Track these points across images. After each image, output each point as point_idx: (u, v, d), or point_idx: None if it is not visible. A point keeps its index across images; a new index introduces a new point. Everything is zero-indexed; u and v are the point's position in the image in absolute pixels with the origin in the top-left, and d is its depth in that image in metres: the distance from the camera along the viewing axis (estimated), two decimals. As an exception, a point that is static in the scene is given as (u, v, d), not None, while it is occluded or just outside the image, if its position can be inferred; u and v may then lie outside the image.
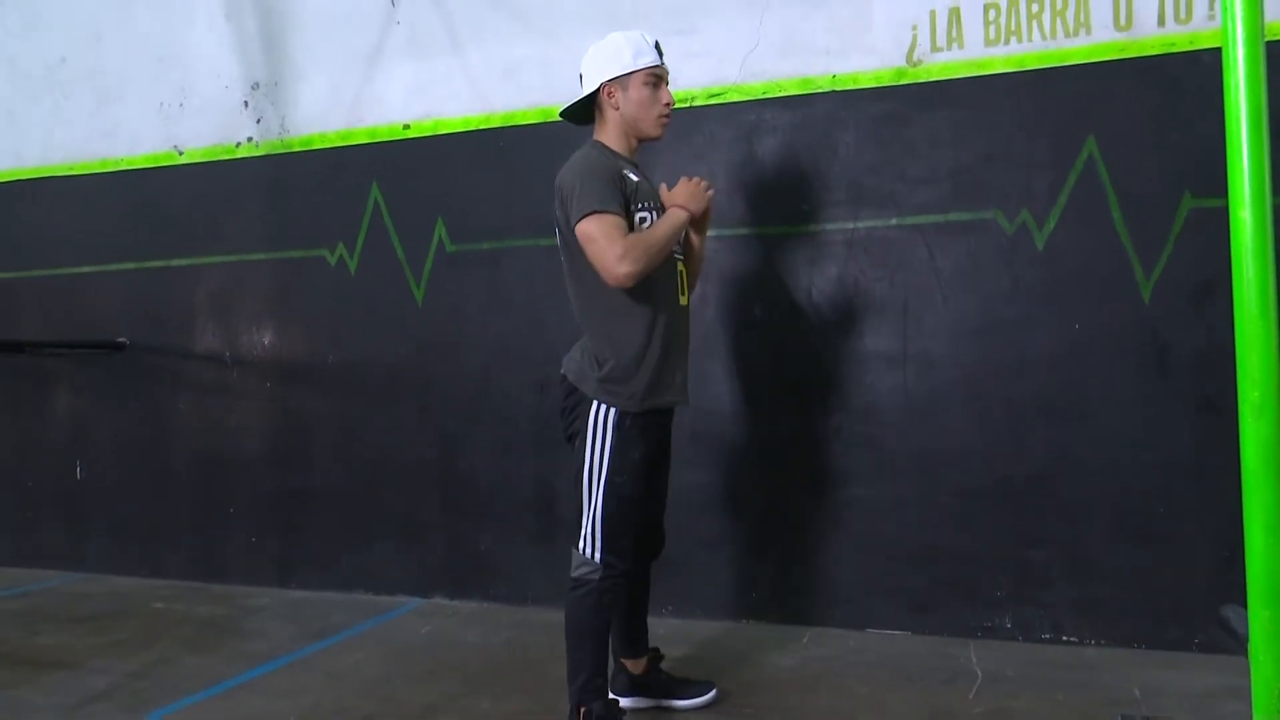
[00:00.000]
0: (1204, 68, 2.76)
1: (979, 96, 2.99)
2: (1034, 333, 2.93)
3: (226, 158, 3.97)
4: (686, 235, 2.31)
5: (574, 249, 2.16)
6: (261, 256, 3.92)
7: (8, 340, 4.16)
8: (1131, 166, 2.85)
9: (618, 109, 2.22)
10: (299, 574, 3.83)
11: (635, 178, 2.20)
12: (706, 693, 2.44)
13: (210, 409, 4.01)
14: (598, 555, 2.10)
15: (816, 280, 3.15)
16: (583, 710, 2.08)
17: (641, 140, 2.28)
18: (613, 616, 2.20)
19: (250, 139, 3.94)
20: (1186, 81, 2.80)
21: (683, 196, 2.22)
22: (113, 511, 4.18)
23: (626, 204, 2.12)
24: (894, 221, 3.06)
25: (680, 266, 2.27)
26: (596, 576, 2.09)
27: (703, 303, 3.26)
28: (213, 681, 2.71)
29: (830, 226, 3.13)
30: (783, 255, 3.19)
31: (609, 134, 2.25)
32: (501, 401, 3.53)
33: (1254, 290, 1.13)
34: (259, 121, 3.92)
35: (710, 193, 2.27)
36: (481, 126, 3.57)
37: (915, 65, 3.05)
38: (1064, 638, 2.89)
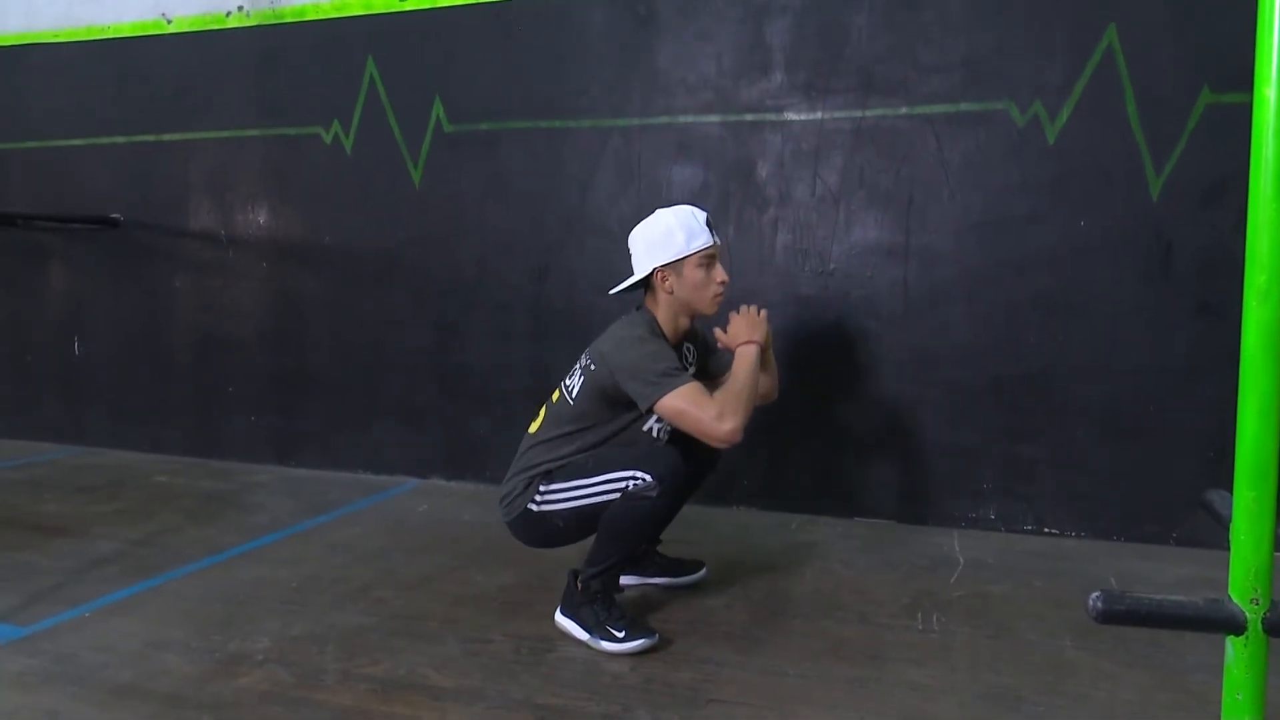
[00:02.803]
0: (1235, -46, 2.65)
1: (999, -20, 2.87)
2: (1038, 230, 2.90)
3: (217, 27, 3.84)
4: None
5: (591, 405, 2.14)
6: (255, 133, 3.83)
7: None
8: (1150, 58, 2.77)
9: (671, 293, 2.16)
10: (298, 452, 3.89)
11: (689, 361, 2.25)
12: (696, 571, 2.52)
13: (207, 288, 3.99)
14: (649, 477, 2.03)
15: (821, 169, 3.09)
16: (582, 584, 2.14)
17: (693, 318, 2.24)
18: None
19: (241, 8, 3.79)
20: (1216, -31, 2.69)
21: (745, 332, 2.19)
22: (111, 388, 4.21)
23: None
24: (904, 111, 2.99)
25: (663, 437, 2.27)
26: (653, 494, 2.03)
27: (703, 190, 3.21)
28: (215, 550, 2.78)
29: (839, 114, 3.06)
30: (788, 142, 3.12)
31: (660, 312, 2.20)
32: (499, 288, 3.51)
33: (1271, 173, 1.11)
34: (250, -11, 3.77)
35: (765, 314, 2.23)
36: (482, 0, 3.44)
37: (935, -55, 2.92)
38: (1045, 529, 2.96)
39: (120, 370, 4.18)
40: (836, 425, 3.15)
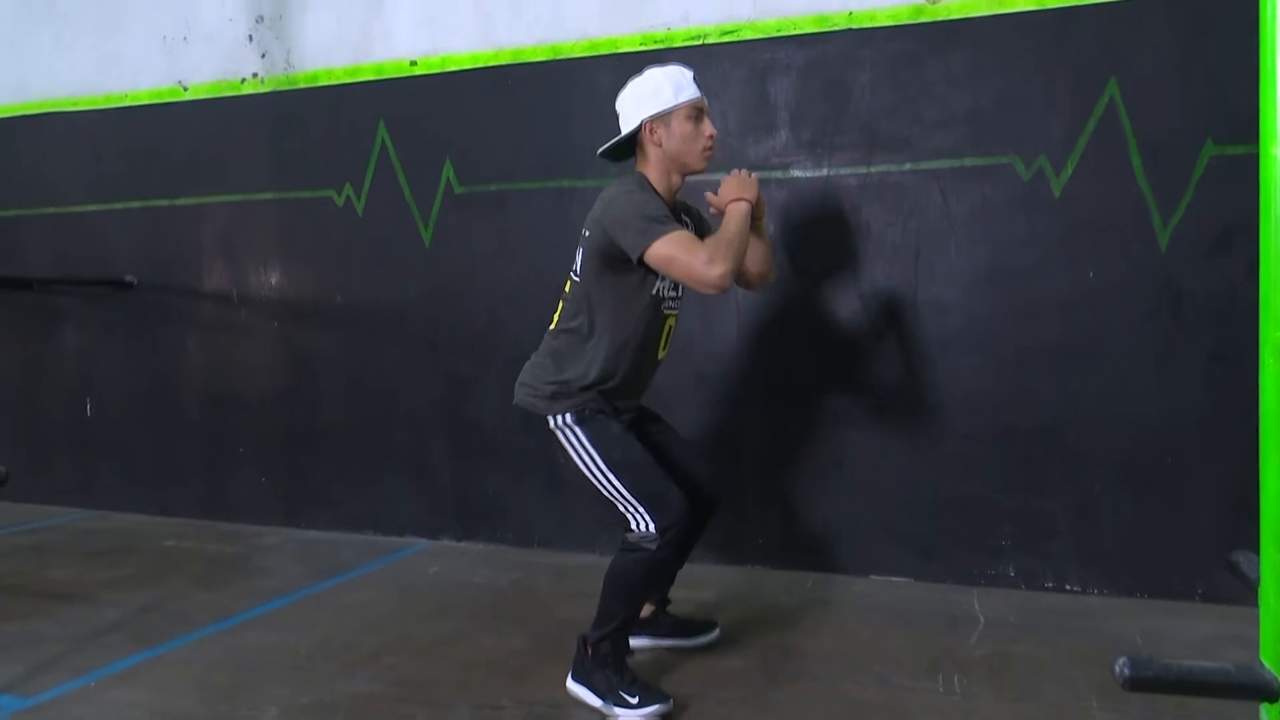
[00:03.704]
0: (1234, 7, 2.68)
1: (998, 36, 2.91)
2: (1047, 280, 2.89)
3: (231, 94, 3.92)
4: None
5: (594, 276, 2.14)
6: (268, 196, 3.89)
7: (16, 277, 4.15)
8: (1153, 111, 2.79)
9: (660, 145, 2.17)
10: (308, 513, 3.87)
11: (685, 220, 2.21)
12: (709, 632, 2.47)
13: (218, 348, 4.01)
14: (651, 526, 2.04)
15: (828, 226, 3.10)
16: (592, 648, 2.10)
17: (685, 175, 2.23)
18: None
19: (255, 74, 3.88)
20: (1214, 22, 2.72)
21: (735, 189, 2.18)
22: (123, 449, 4.21)
23: None
24: (908, 166, 3.01)
25: (670, 321, 2.27)
26: (653, 547, 2.04)
27: (712, 247, 3.22)
28: (223, 615, 2.75)
29: (844, 170, 3.08)
30: (795, 197, 3.14)
31: (651, 170, 2.20)
32: (509, 344, 3.51)
33: (1282, 229, 1.11)
34: (264, 56, 3.85)
35: (755, 177, 2.23)
36: (490, 63, 3.50)
37: (934, 3, 2.97)
38: (1067, 586, 2.90)
39: (131, 431, 4.18)
40: (849, 479, 3.11)
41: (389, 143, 3.67)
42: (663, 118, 2.16)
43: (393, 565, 3.32)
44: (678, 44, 3.23)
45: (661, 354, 2.29)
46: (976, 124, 2.94)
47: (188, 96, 3.99)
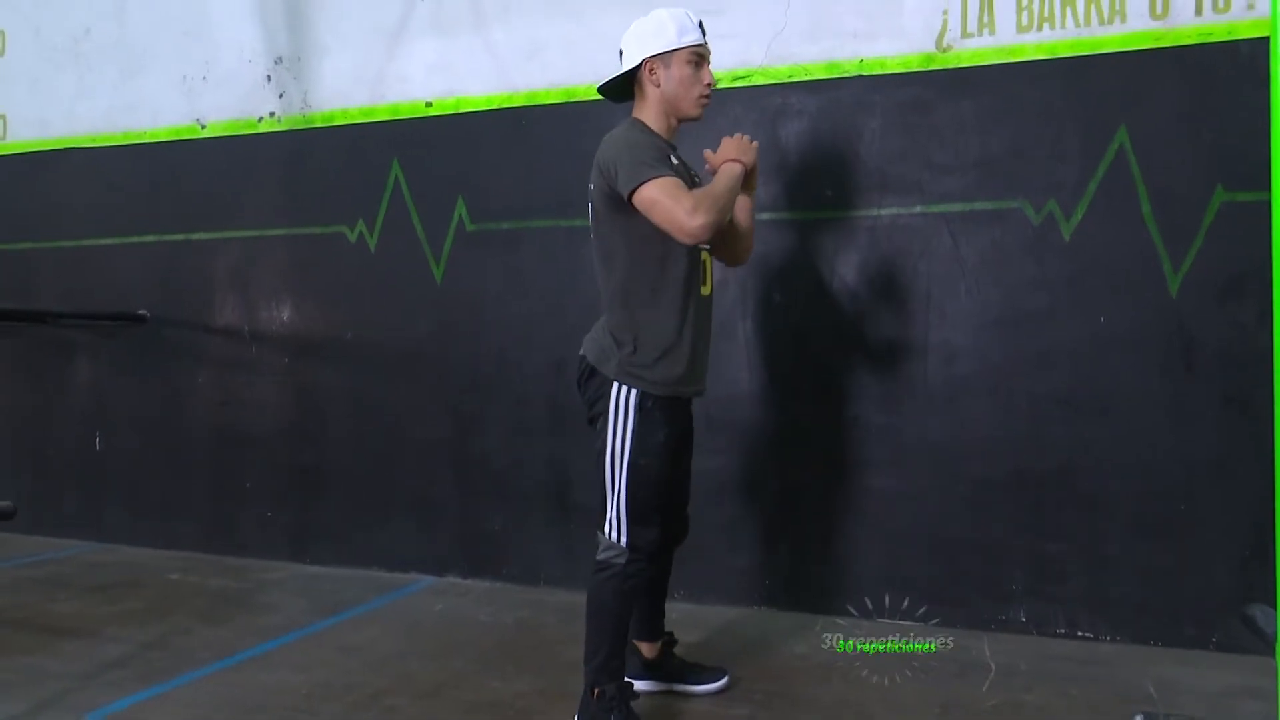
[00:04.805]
0: (1242, 59, 2.71)
1: (1009, 84, 2.94)
2: (1058, 325, 2.89)
3: (248, 132, 3.97)
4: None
5: (607, 225, 2.14)
6: (281, 232, 3.92)
7: (30, 310, 4.19)
8: (1163, 158, 2.80)
9: (658, 86, 2.18)
10: (313, 549, 3.85)
11: (675, 161, 2.17)
12: (718, 679, 2.44)
13: (229, 383, 4.03)
14: (623, 539, 2.07)
15: (839, 267, 3.12)
16: (596, 691, 2.07)
17: (680, 120, 2.25)
18: (635, 601, 2.19)
19: (272, 114, 3.93)
20: (1223, 73, 2.74)
21: (733, 150, 2.20)
22: (131, 483, 4.21)
23: None
24: (918, 209, 3.03)
25: (704, 256, 2.24)
26: (621, 561, 2.07)
27: (722, 287, 3.23)
28: (226, 653, 2.73)
29: (855, 213, 3.10)
30: (805, 241, 3.16)
31: (648, 112, 2.21)
32: (518, 383, 3.52)
33: (1294, 282, 1.10)
34: (281, 96, 3.91)
35: (756, 145, 2.24)
36: (504, 105, 3.55)
37: (945, 51, 3.01)
38: (1079, 633, 2.86)
39: (140, 465, 4.19)
40: (859, 522, 3.09)
41: (403, 180, 3.71)
42: (663, 58, 2.16)
43: (397, 602, 3.30)
44: (689, 87, 3.27)
45: (706, 290, 2.25)
46: (986, 169, 2.96)
47: (205, 134, 4.05)
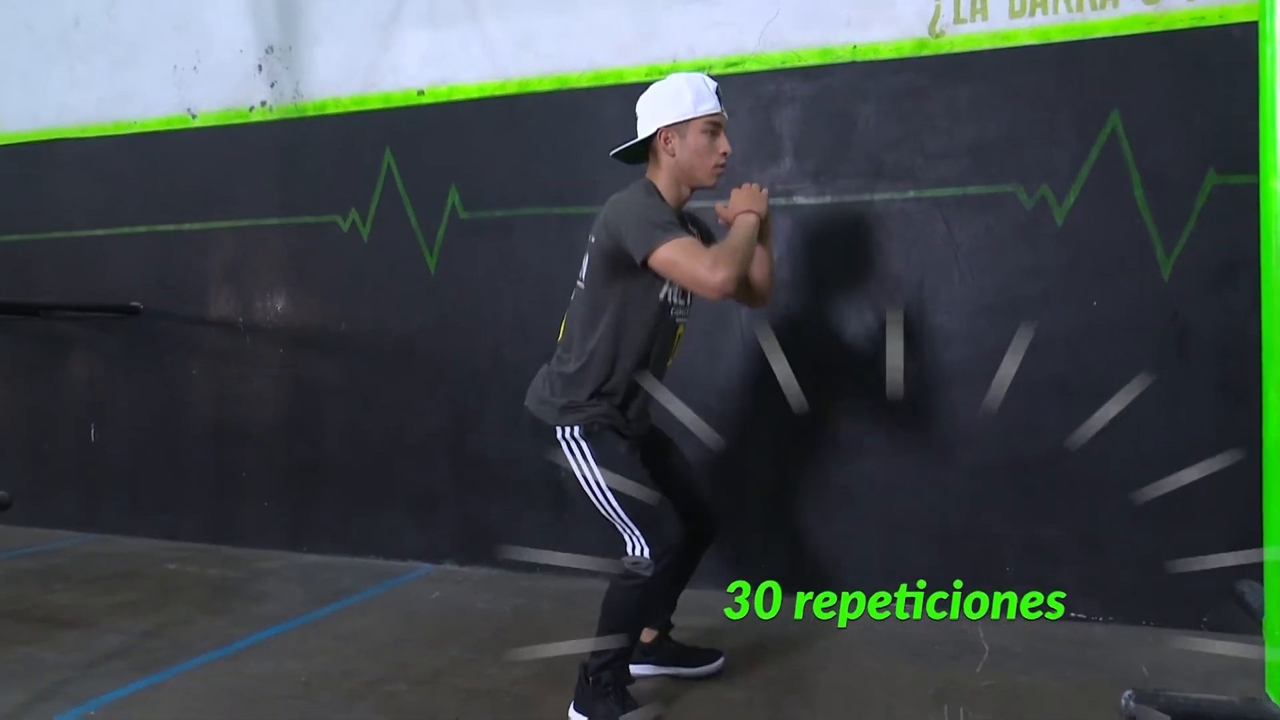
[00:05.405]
0: (1234, 42, 2.71)
1: (1002, 69, 2.94)
2: (1051, 310, 2.90)
3: (240, 122, 3.96)
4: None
5: (602, 283, 2.14)
6: (274, 222, 3.92)
7: (23, 303, 4.18)
8: (1155, 142, 2.81)
9: (674, 156, 2.17)
10: (310, 539, 3.86)
11: (692, 231, 2.19)
12: (714, 661, 2.45)
13: (224, 375, 4.03)
14: (647, 553, 2.03)
15: (832, 254, 3.12)
16: (591, 678, 2.08)
17: (693, 188, 2.23)
18: (654, 607, 2.19)
19: (264, 103, 3.92)
20: (1215, 56, 2.75)
21: (745, 201, 2.18)
22: (127, 475, 4.21)
23: None
24: (911, 194, 3.03)
25: (680, 330, 2.27)
26: (649, 574, 2.03)
27: (716, 275, 3.24)
28: (224, 642, 2.74)
29: (848, 199, 3.10)
30: (798, 228, 3.16)
31: (661, 178, 2.20)
32: (513, 374, 3.50)
33: (1283, 262, 1.11)
34: (273, 86, 3.90)
35: (765, 191, 2.24)
36: (497, 94, 3.54)
37: (937, 37, 3.00)
38: (1073, 615, 2.88)
39: (135, 457, 4.19)
40: (855, 508, 3.10)
41: (395, 169, 3.70)
42: (678, 127, 2.15)
43: (394, 590, 3.31)
44: (682, 74, 3.27)
45: (669, 362, 2.29)
46: (979, 154, 2.97)
47: (197, 124, 4.03)
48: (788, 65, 3.16)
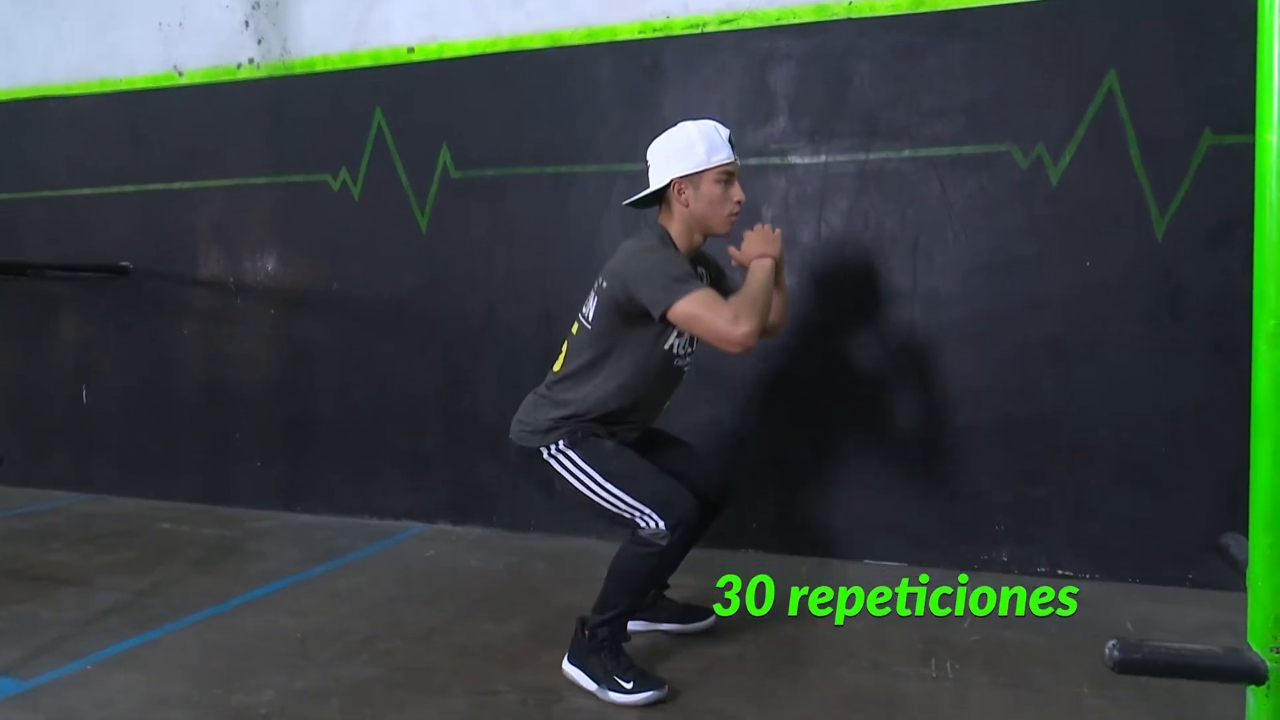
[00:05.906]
0: (1232, 2, 2.68)
1: (998, 27, 2.91)
2: (1045, 270, 2.90)
3: (227, 79, 3.90)
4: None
5: (609, 328, 2.13)
6: (263, 181, 3.88)
7: (10, 262, 4.13)
8: (1152, 101, 2.79)
9: (687, 206, 2.14)
10: (304, 499, 3.87)
11: (704, 278, 2.19)
12: (706, 618, 2.48)
13: (215, 335, 4.01)
14: (662, 524, 2.02)
15: (826, 213, 3.11)
16: (588, 631, 2.11)
17: (706, 236, 2.22)
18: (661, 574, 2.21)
19: (251, 60, 3.86)
20: (1213, 14, 2.72)
21: (759, 245, 2.16)
22: (119, 436, 4.21)
23: None
24: (906, 153, 3.01)
25: (684, 376, 2.27)
26: (664, 543, 2.02)
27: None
28: (219, 600, 2.76)
29: (842, 158, 3.08)
30: (792, 187, 3.14)
31: (674, 227, 2.18)
32: (506, 334, 3.51)
33: (1276, 217, 1.11)
34: (260, 43, 3.84)
35: (779, 232, 2.22)
36: (488, 50, 3.49)
37: (934, -8, 2.96)
38: (1059, 572, 2.92)
39: (128, 418, 4.18)
40: (846, 467, 3.12)
41: (385, 128, 3.66)
42: (691, 178, 2.13)
43: (388, 550, 3.33)
44: (676, 32, 3.23)
45: (667, 404, 2.30)
46: (975, 113, 2.94)
47: (183, 82, 3.97)
48: (783, 22, 3.12)
